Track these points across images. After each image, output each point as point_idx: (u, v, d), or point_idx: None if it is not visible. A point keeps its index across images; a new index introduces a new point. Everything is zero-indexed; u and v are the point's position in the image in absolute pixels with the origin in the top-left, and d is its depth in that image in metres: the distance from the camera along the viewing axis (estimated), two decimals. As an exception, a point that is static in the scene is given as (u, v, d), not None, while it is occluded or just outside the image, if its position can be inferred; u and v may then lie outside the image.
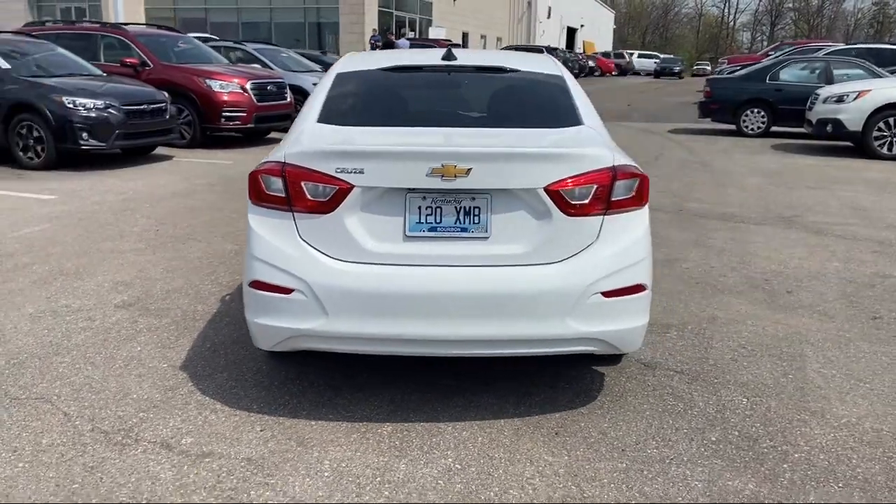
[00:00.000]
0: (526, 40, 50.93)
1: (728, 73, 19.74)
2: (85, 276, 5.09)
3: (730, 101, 14.34)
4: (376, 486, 2.68)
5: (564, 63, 30.08)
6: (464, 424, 3.14)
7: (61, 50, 10.68)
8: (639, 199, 3.07)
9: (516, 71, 3.81)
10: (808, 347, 4.04)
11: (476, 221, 2.93)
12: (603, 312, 2.97)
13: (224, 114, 11.09)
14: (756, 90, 14.14)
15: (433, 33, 36.24)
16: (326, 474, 2.75)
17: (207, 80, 11.14)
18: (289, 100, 12.28)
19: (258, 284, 2.99)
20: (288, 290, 2.92)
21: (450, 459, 2.87)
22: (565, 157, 2.95)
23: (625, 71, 53.72)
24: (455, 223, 2.93)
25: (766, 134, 14.26)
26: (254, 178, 3.02)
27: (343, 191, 2.88)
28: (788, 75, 14.17)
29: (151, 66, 11.36)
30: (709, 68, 50.85)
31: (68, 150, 9.23)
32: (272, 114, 11.81)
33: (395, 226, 2.92)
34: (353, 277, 2.88)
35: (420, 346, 2.96)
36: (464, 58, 3.90)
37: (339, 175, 2.88)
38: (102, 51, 11.78)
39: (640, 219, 3.08)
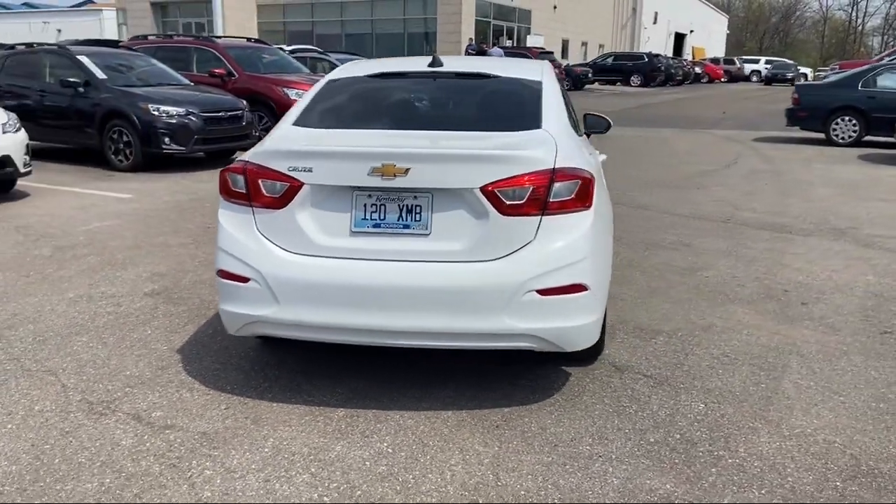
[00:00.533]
0: (629, 47, 50.11)
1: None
2: (129, 266, 5.56)
3: (819, 109, 13.74)
4: (305, 464, 2.88)
5: (665, 70, 29.48)
6: (412, 414, 3.30)
7: (154, 61, 11.54)
8: (582, 201, 3.14)
9: (496, 77, 3.94)
10: (796, 359, 3.95)
11: (418, 219, 3.09)
12: (539, 310, 3.06)
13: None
14: (847, 97, 13.48)
15: (531, 41, 36.32)
16: (266, 450, 2.98)
17: (285, 89, 11.73)
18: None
19: (222, 273, 3.27)
20: (245, 279, 3.18)
21: (385, 444, 3.04)
22: (502, 158, 3.07)
23: (735, 77, 51.84)
24: (398, 220, 3.10)
25: (857, 144, 13.56)
26: (222, 176, 3.31)
27: (294, 188, 3.12)
28: (885, 82, 13.43)
29: (237, 76, 12.07)
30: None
31: (153, 153, 9.97)
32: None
33: (343, 221, 3.13)
34: (302, 269, 3.11)
35: (363, 335, 3.14)
36: (450, 65, 4.07)
37: (290, 173, 3.12)
38: (195, 62, 12.60)
39: (582, 220, 3.14)
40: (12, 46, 11.77)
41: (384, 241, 3.10)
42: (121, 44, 13.49)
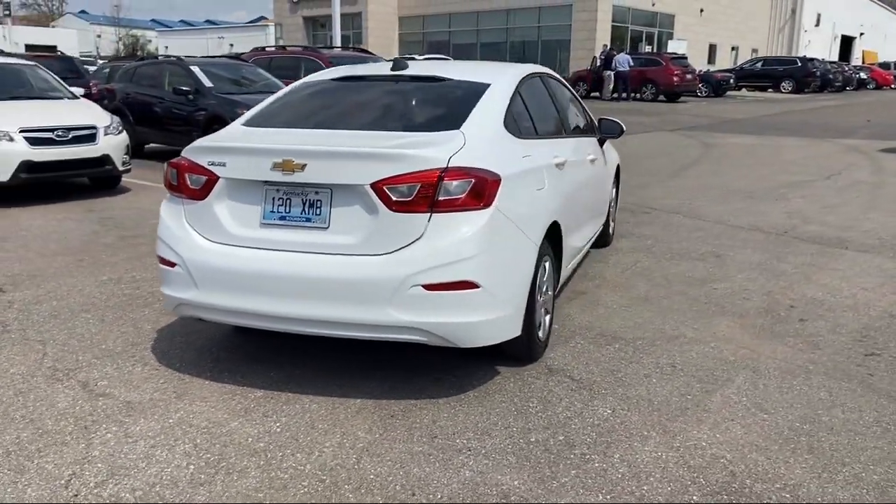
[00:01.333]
0: (787, 51, 47.23)
1: None
2: (168, 256, 6.10)
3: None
4: (194, 436, 3.14)
5: (822, 76, 27.31)
6: (323, 399, 3.48)
7: (259, 70, 12.40)
8: (476, 200, 3.20)
9: (447, 80, 4.05)
10: (746, 374, 3.77)
11: (318, 213, 3.28)
12: (424, 304, 3.16)
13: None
14: None
15: (672, 46, 35.12)
16: (170, 421, 3.27)
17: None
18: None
19: (159, 258, 3.61)
20: (173, 265, 3.50)
21: (278, 424, 3.24)
22: (393, 157, 3.19)
23: (908, 83, 47.46)
24: (301, 213, 3.30)
25: None
26: (165, 170, 3.65)
27: (212, 181, 3.40)
28: None
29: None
30: None
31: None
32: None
33: (254, 213, 3.37)
34: (216, 256, 3.38)
35: (270, 321, 3.37)
36: (415, 69, 4.22)
37: (209, 167, 3.41)
38: (303, 71, 13.39)
39: (475, 219, 3.20)
40: (142, 58, 13.05)
41: (289, 232, 3.31)
42: (242, 55, 14.58)
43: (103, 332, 4.34)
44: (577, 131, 5.21)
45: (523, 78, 4.34)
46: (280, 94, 4.23)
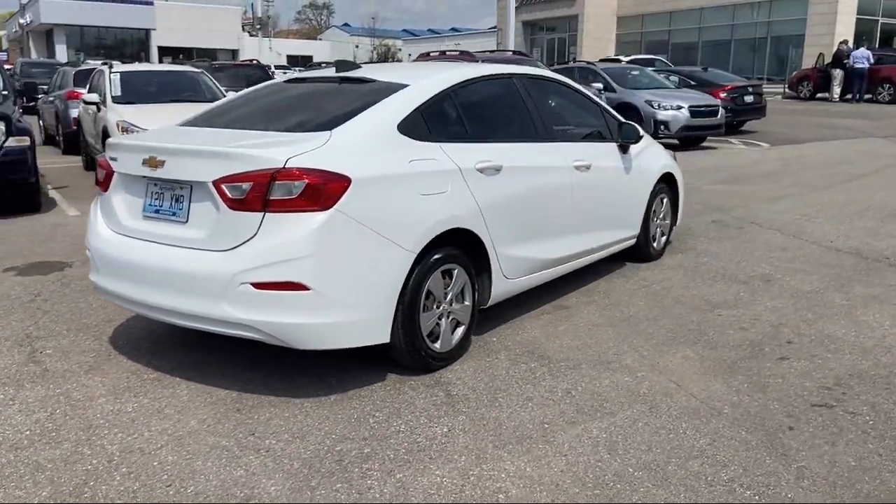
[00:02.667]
0: None
1: None
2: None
3: None
4: (59, 405, 3.44)
5: None
6: (198, 386, 3.62)
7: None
8: (311, 202, 3.19)
9: (373, 81, 4.04)
10: (638, 409, 3.37)
11: (180, 208, 3.47)
12: (254, 302, 3.23)
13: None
14: None
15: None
16: (62, 389, 3.62)
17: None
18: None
19: (86, 246, 4.02)
20: (88, 249, 3.89)
21: (134, 404, 3.44)
22: (232, 156, 3.29)
23: None
24: (169, 208, 3.52)
25: None
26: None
27: (110, 174, 3.74)
28: None
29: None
30: None
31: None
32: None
33: (139, 206, 3.65)
34: (108, 244, 3.71)
35: (141, 308, 3.64)
36: (362, 71, 4.28)
37: (110, 161, 3.74)
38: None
39: (309, 220, 3.19)
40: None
41: (160, 225, 3.54)
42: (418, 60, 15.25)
43: (97, 310, 4.82)
44: (570, 136, 4.89)
45: (466, 80, 4.19)
46: (241, 92, 4.49)
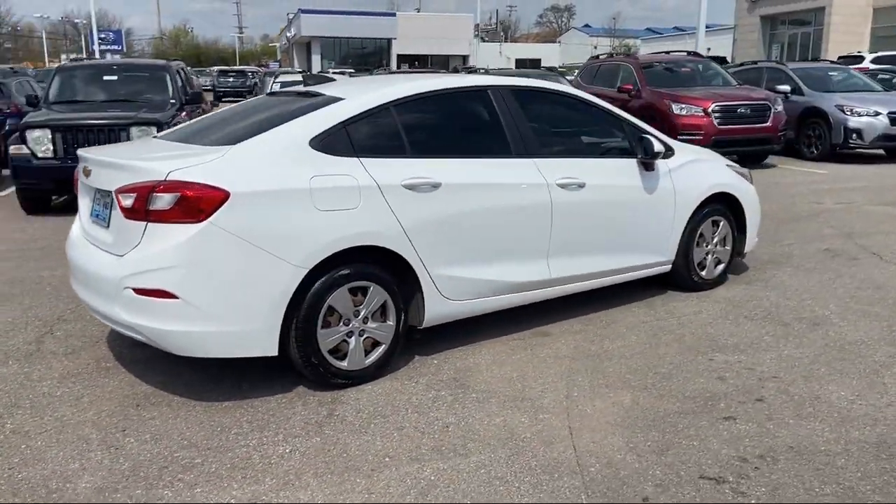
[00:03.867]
0: None
1: None
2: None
3: None
4: (29, 387, 3.88)
5: None
6: (141, 387, 3.88)
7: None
8: (186, 214, 3.31)
9: (316, 95, 4.06)
10: (494, 451, 3.05)
11: (106, 214, 3.75)
12: (136, 306, 3.42)
13: (680, 135, 11.13)
14: None
15: None
16: (35, 376, 4.08)
17: (672, 104, 11.37)
18: (769, 123, 11.35)
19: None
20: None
21: (67, 391, 3.82)
22: (127, 168, 3.51)
23: None
24: (101, 213, 3.81)
25: None
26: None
27: (76, 181, 4.12)
28: None
29: (641, 91, 12.19)
30: None
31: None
32: (737, 137, 11.19)
33: (89, 211, 3.99)
34: (70, 245, 4.10)
35: (89, 308, 3.96)
36: (329, 85, 4.33)
37: (81, 170, 4.14)
38: (620, 79, 13.08)
39: (181, 232, 3.31)
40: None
41: (95, 229, 3.86)
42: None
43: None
44: (559, 153, 4.50)
45: (416, 94, 4.05)
46: (225, 108, 4.73)
